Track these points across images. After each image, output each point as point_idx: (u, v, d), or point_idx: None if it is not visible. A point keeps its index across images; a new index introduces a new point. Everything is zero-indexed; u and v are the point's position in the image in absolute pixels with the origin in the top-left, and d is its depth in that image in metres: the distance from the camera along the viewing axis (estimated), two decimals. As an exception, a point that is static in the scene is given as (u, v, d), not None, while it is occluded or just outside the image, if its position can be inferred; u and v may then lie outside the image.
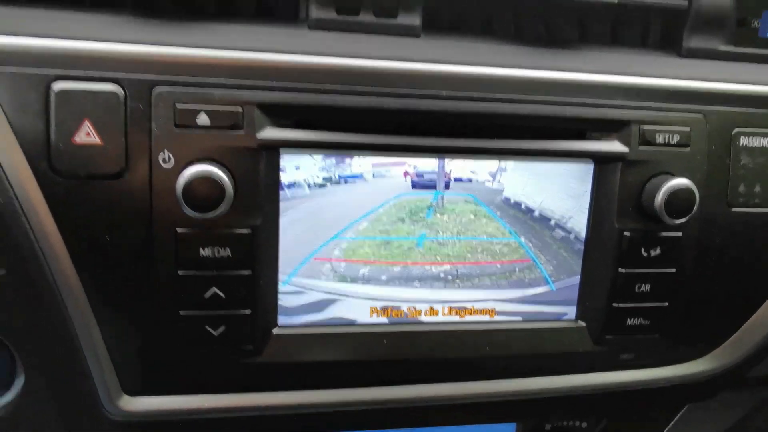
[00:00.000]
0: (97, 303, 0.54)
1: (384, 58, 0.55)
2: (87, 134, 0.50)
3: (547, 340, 0.64)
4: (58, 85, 0.49)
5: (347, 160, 0.57)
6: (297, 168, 0.56)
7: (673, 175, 0.59)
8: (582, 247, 0.63)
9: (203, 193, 0.50)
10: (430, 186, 0.59)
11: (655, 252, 0.62)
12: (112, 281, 0.53)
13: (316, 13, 0.55)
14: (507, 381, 0.65)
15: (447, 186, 0.59)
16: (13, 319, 0.54)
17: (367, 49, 0.55)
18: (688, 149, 0.60)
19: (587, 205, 0.62)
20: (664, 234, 0.61)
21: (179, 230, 0.53)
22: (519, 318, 0.64)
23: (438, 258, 0.61)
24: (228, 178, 0.51)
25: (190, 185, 0.49)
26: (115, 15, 0.53)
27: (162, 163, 0.51)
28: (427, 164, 0.58)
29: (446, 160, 0.58)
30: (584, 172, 0.61)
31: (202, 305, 0.55)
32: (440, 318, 0.62)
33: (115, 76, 0.50)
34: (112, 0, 0.56)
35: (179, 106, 0.51)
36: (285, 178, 0.56)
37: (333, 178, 0.57)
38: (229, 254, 0.54)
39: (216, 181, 0.50)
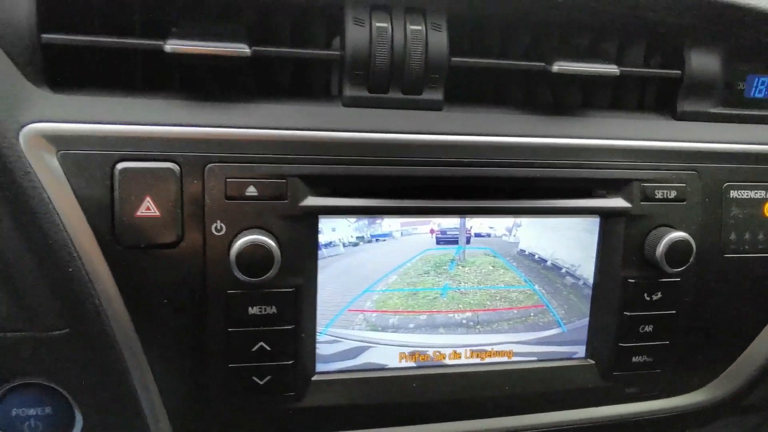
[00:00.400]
0: (153, 357, 0.59)
1: (411, 132, 0.61)
2: (147, 208, 0.55)
3: (559, 377, 0.70)
4: (121, 165, 0.55)
5: (378, 221, 0.63)
6: (333, 230, 0.62)
7: (672, 227, 0.66)
8: (590, 293, 0.69)
9: (255, 259, 0.55)
10: (453, 242, 0.65)
11: (657, 296, 0.68)
12: (167, 338, 0.59)
13: (349, 91, 0.61)
14: (524, 416, 0.71)
15: (468, 241, 0.65)
16: (75, 373, 0.59)
17: (396, 123, 0.61)
18: (684, 203, 0.67)
19: (594, 255, 0.68)
20: (665, 280, 0.68)
21: (230, 292, 0.58)
22: (534, 358, 0.70)
23: (460, 306, 0.66)
24: (275, 243, 0.56)
25: (242, 253, 0.55)
26: (167, 98, 0.58)
27: (215, 232, 0.57)
28: (450, 223, 0.64)
29: (467, 219, 0.64)
30: (591, 225, 0.67)
31: (249, 358, 0.60)
32: (463, 361, 0.68)
33: (171, 155, 0.56)
34: (162, 81, 0.61)
35: (229, 180, 0.57)
36: (323, 239, 0.61)
37: (365, 237, 0.63)
38: (275, 311, 0.59)
39: (266, 248, 0.55)
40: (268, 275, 0.56)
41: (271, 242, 0.56)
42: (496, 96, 0.69)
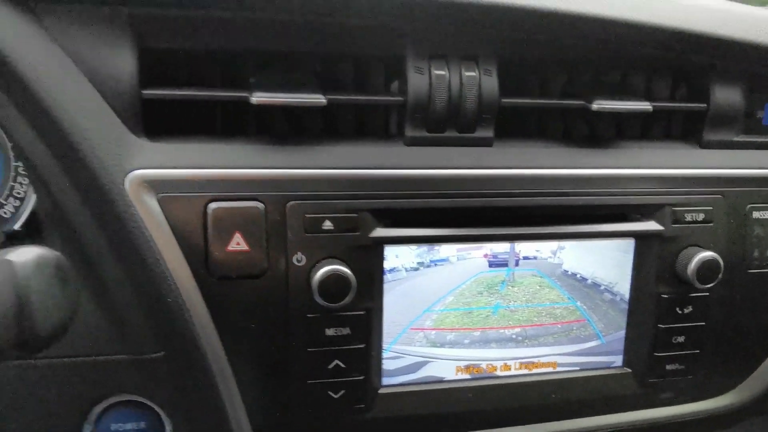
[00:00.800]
0: (239, 375, 0.65)
1: (466, 167, 0.67)
2: (237, 243, 0.62)
3: (599, 385, 0.76)
4: (213, 205, 0.61)
5: (437, 248, 0.69)
6: (397, 256, 0.68)
7: (701, 247, 0.72)
8: (626, 307, 0.75)
9: (335, 286, 0.62)
10: (503, 264, 0.71)
11: (688, 309, 0.75)
12: (253, 358, 0.65)
13: (411, 132, 0.67)
14: (567, 421, 0.77)
15: (517, 263, 0.72)
16: (168, 391, 0.65)
17: (453, 160, 0.67)
18: (711, 225, 0.73)
19: (629, 273, 0.74)
20: (695, 295, 0.74)
21: (309, 315, 0.65)
22: (576, 368, 0.76)
23: (510, 323, 0.73)
24: (350, 271, 0.63)
25: (324, 281, 0.61)
26: (248, 142, 0.64)
27: (296, 263, 0.63)
28: (501, 247, 0.71)
29: (516, 244, 0.71)
30: (627, 246, 0.74)
31: (326, 374, 0.67)
32: (513, 372, 0.74)
33: (257, 195, 0.62)
34: (238, 124, 0.68)
35: (308, 215, 0.63)
36: (387, 265, 0.68)
37: (425, 262, 0.69)
38: (349, 332, 0.66)
39: (344, 277, 0.62)
40: (345, 300, 0.62)
41: (347, 271, 0.62)
42: (536, 129, 0.76)
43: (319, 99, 0.62)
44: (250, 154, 0.63)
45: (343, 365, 0.67)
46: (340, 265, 0.62)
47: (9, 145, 0.74)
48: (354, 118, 0.70)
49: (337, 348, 0.66)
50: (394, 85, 0.70)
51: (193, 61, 0.65)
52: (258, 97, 0.61)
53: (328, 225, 0.64)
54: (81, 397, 0.65)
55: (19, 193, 0.67)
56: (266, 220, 0.62)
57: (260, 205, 0.62)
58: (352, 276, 0.62)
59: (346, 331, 0.66)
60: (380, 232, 0.65)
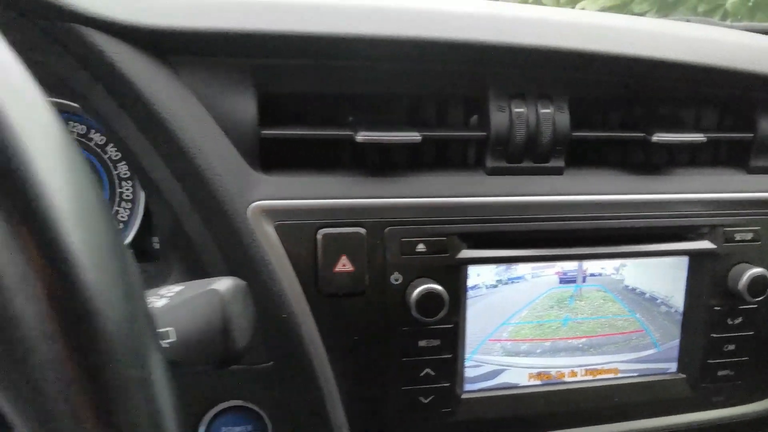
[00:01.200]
0: (341, 383, 0.73)
1: (541, 194, 0.75)
2: (343, 264, 0.69)
3: (656, 389, 0.84)
4: (322, 231, 0.69)
5: (514, 267, 0.77)
6: (478, 275, 0.76)
7: (750, 263, 0.80)
8: (680, 318, 0.83)
9: (432, 303, 0.69)
10: (572, 281, 0.79)
11: (738, 320, 0.82)
12: (354, 367, 0.72)
13: (491, 163, 0.75)
14: (627, 423, 0.85)
15: (584, 280, 0.79)
16: (274, 397, 0.73)
17: (528, 187, 0.75)
18: (759, 243, 0.81)
19: (684, 288, 0.82)
20: (744, 307, 0.81)
21: (404, 329, 0.72)
22: (635, 374, 0.83)
23: (577, 333, 0.80)
24: (442, 289, 0.70)
25: (421, 298, 0.69)
26: (347, 174, 0.72)
27: (393, 282, 0.71)
28: (571, 266, 0.78)
29: (584, 262, 0.78)
30: (681, 264, 0.81)
31: (417, 382, 0.74)
32: (579, 378, 0.82)
33: (359, 222, 0.70)
34: (335, 158, 0.75)
35: (403, 239, 0.71)
36: (470, 282, 0.75)
37: (503, 280, 0.77)
38: (439, 344, 0.73)
39: (439, 294, 0.69)
40: (439, 315, 0.70)
41: (441, 288, 0.70)
42: (597, 157, 0.83)
43: (415, 136, 0.70)
44: (352, 186, 0.71)
45: (432, 373, 0.74)
46: (433, 283, 0.70)
47: (114, 172, 0.84)
48: (435, 150, 0.78)
49: (428, 358, 0.73)
50: (473, 120, 0.78)
51: (297, 102, 0.73)
52: (362, 136, 0.69)
53: (421, 247, 0.71)
54: (201, 401, 0.72)
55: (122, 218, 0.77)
56: (368, 244, 0.70)
57: (362, 231, 0.70)
58: (445, 293, 0.70)
59: (436, 342, 0.73)
60: (466, 253, 0.73)
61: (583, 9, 5.25)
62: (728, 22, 1.23)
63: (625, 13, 5.15)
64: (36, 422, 0.27)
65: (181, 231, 0.68)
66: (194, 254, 0.68)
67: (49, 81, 0.61)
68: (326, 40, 0.65)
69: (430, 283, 0.70)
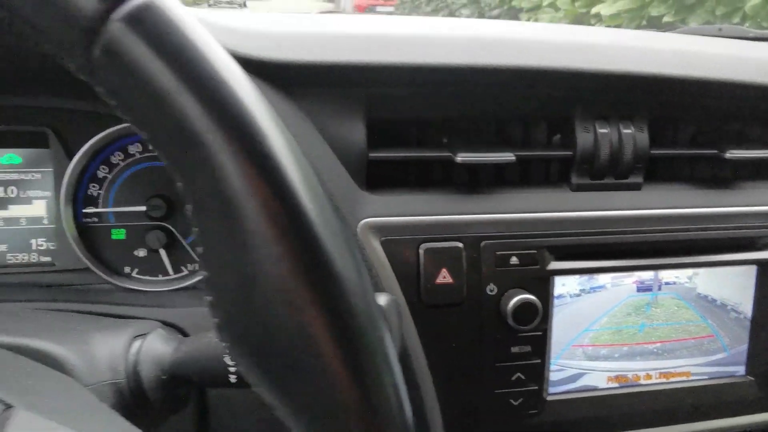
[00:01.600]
0: (439, 387, 0.78)
1: (621, 209, 0.80)
2: (444, 277, 0.75)
3: (726, 391, 0.88)
4: (424, 246, 0.74)
5: (595, 277, 0.82)
6: (563, 285, 0.81)
7: (816, 271, 0.85)
8: (749, 324, 0.88)
9: (527, 312, 0.74)
10: (649, 289, 0.84)
11: (804, 325, 0.87)
12: (451, 373, 0.78)
13: (576, 179, 0.80)
14: (698, 423, 0.89)
15: (659, 288, 0.84)
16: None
17: (610, 203, 0.80)
18: (823, 252, 0.86)
19: (752, 295, 0.87)
20: (810, 311, 0.86)
21: (498, 336, 0.77)
22: (706, 377, 0.88)
23: (652, 339, 0.85)
24: (536, 298, 0.75)
25: (518, 308, 0.74)
26: (443, 192, 0.77)
27: (488, 293, 0.76)
28: (647, 275, 0.83)
29: (659, 272, 0.83)
30: (750, 272, 0.86)
31: (509, 385, 0.79)
32: (653, 381, 0.87)
33: (457, 237, 0.75)
34: (428, 176, 0.81)
35: (498, 253, 0.76)
36: (556, 292, 0.80)
37: (585, 289, 0.82)
38: (529, 349, 0.78)
39: (534, 304, 0.75)
40: (533, 324, 0.75)
41: (535, 298, 0.75)
42: (670, 176, 0.88)
43: (509, 157, 0.75)
44: (449, 202, 0.76)
45: (523, 377, 0.79)
46: (527, 293, 0.75)
47: None
48: (519, 167, 0.83)
49: (519, 363, 0.79)
50: (556, 139, 0.83)
51: (395, 124, 0.78)
52: (462, 157, 0.74)
53: (514, 260, 0.76)
54: None
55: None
56: (465, 258, 0.75)
57: (460, 245, 0.75)
58: (539, 303, 0.75)
59: (527, 348, 0.78)
60: (554, 265, 0.78)
61: (598, 12, 5.32)
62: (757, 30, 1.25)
63: (642, 16, 5.22)
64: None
65: None
66: None
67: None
68: (433, 70, 0.71)
69: (524, 293, 0.75)
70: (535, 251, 0.77)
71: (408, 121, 0.78)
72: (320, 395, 0.31)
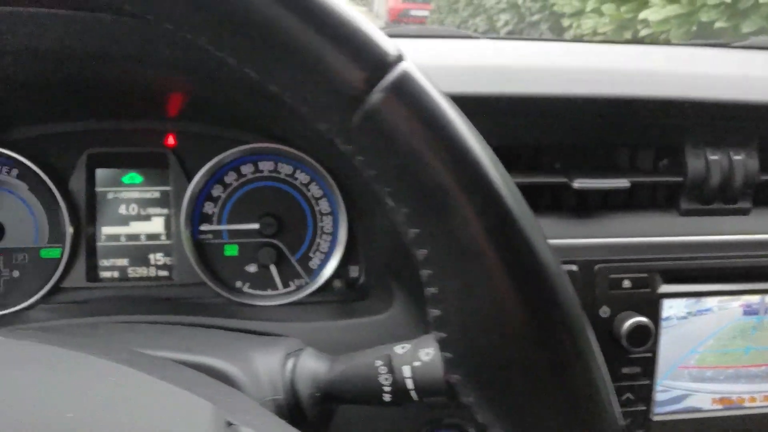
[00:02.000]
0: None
1: (729, 233, 0.81)
2: (558, 299, 0.77)
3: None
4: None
5: (702, 300, 0.83)
6: (671, 307, 0.82)
7: None
8: None
9: (642, 334, 0.76)
10: (755, 313, 0.85)
11: None
12: (561, 391, 0.80)
13: (686, 204, 0.82)
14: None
15: (765, 312, 0.85)
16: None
17: (718, 227, 0.81)
18: None
19: None
20: None
21: (610, 357, 0.79)
22: (810, 400, 0.89)
23: (758, 361, 0.86)
24: (649, 321, 0.77)
25: (633, 330, 0.76)
26: (560, 218, 0.80)
27: (602, 315, 0.78)
28: (754, 299, 0.84)
29: (766, 296, 0.84)
30: None
31: (619, 405, 0.81)
32: (758, 404, 0.87)
33: (573, 260, 0.77)
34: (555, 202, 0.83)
35: (611, 276, 0.78)
36: (663, 314, 0.82)
37: (692, 312, 0.83)
38: (639, 370, 0.80)
39: (648, 327, 0.76)
40: (647, 345, 0.77)
41: (648, 321, 0.77)
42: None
43: (624, 183, 0.77)
44: (563, 226, 0.79)
45: (632, 397, 0.81)
46: (640, 316, 0.77)
47: (317, 208, 0.94)
48: (626, 192, 0.85)
49: (629, 383, 0.80)
50: (663, 164, 0.84)
51: (511, 150, 0.81)
52: (579, 183, 0.77)
53: (626, 283, 0.78)
54: (423, 419, 0.81)
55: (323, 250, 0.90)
56: (580, 280, 0.77)
57: (575, 268, 0.77)
58: (652, 325, 0.77)
59: (637, 369, 0.80)
60: (664, 288, 0.80)
61: (645, 18, 5.25)
62: None
63: (692, 22, 5.13)
64: None
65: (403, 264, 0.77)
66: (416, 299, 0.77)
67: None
68: (556, 101, 0.73)
69: (637, 315, 0.77)
70: (647, 275, 0.79)
71: (519, 147, 0.81)
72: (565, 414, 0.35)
